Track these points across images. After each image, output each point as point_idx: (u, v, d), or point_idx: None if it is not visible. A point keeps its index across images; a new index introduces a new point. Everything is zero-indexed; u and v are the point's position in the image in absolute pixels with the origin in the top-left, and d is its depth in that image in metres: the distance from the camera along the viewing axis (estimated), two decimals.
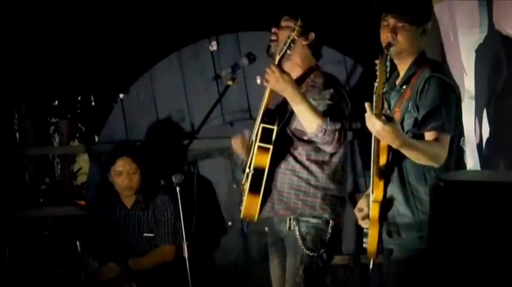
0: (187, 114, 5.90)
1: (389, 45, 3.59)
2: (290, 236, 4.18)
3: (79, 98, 7.23)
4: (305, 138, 4.13)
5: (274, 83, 4.01)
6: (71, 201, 6.16)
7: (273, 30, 4.22)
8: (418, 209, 3.56)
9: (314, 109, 4.00)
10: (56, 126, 7.03)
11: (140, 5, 6.46)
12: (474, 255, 2.94)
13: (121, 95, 6.14)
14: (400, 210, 3.58)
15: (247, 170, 4.18)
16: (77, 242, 5.05)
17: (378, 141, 3.50)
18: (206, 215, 5.47)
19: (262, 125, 4.12)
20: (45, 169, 7.07)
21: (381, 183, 3.54)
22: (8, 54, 6.41)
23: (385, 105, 3.53)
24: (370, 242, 3.58)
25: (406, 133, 3.52)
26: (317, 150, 4.14)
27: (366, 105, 3.33)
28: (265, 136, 4.10)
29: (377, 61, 3.45)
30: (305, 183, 4.15)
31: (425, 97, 3.53)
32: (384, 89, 3.41)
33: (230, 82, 4.38)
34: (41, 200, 6.74)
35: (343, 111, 4.10)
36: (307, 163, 4.15)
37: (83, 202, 6.07)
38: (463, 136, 3.66)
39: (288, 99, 4.03)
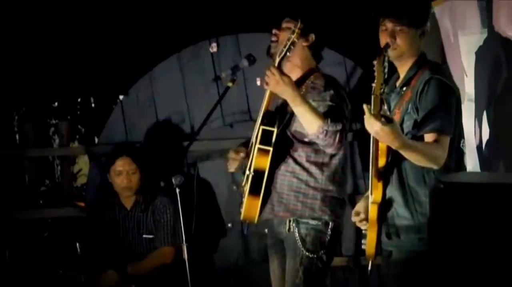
0: (187, 116, 5.90)
1: (387, 45, 3.59)
2: (290, 238, 4.18)
3: (79, 99, 7.23)
4: (306, 140, 4.13)
5: (274, 86, 4.02)
6: (71, 203, 6.16)
7: (274, 31, 4.22)
8: (417, 211, 3.56)
9: (314, 110, 4.00)
10: (56, 127, 7.03)
11: (140, 7, 6.45)
12: (474, 257, 2.94)
13: (121, 97, 6.14)
14: (399, 212, 3.59)
15: (247, 172, 4.18)
16: (77, 244, 5.05)
17: (376, 143, 3.50)
18: (206, 216, 5.47)
19: (262, 127, 4.12)
20: (45, 171, 7.07)
21: (380, 185, 3.54)
22: (8, 56, 6.41)
23: (385, 106, 3.53)
24: (369, 244, 3.58)
25: (406, 135, 3.52)
26: (317, 151, 4.14)
27: (364, 106, 3.33)
28: (265, 138, 4.10)
29: (375, 62, 3.45)
30: (304, 184, 4.15)
31: (425, 99, 3.53)
32: (382, 90, 3.41)
33: (230, 84, 4.38)
34: (41, 201, 6.74)
35: (344, 112, 4.10)
36: (306, 165, 4.15)
37: (82, 204, 6.07)
38: (463, 138, 3.66)
39: (289, 101, 4.03)
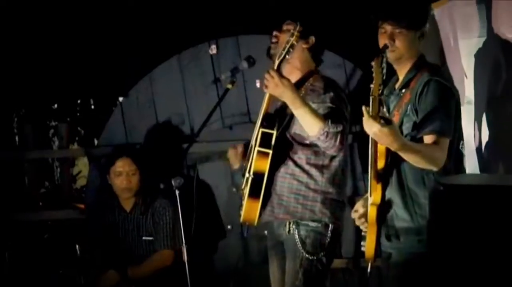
0: (187, 118, 5.90)
1: (385, 46, 3.59)
2: (290, 240, 4.18)
3: (79, 101, 7.23)
4: (305, 142, 4.13)
5: (273, 88, 4.02)
6: (71, 205, 6.16)
7: (274, 33, 4.23)
8: (417, 212, 3.56)
9: (315, 112, 4.00)
10: (55, 129, 7.03)
11: (140, 9, 6.46)
12: (473, 259, 2.94)
13: (120, 99, 6.14)
14: (399, 213, 3.59)
15: (246, 174, 4.18)
16: (77, 246, 5.05)
17: (375, 145, 3.51)
18: (205, 218, 5.47)
19: (261, 129, 4.12)
20: (45, 173, 7.07)
21: (379, 187, 3.55)
22: (7, 57, 6.41)
23: (384, 108, 3.54)
24: (368, 246, 3.58)
25: (405, 136, 3.52)
26: (317, 154, 4.14)
27: (363, 108, 3.34)
28: (265, 140, 4.10)
29: (373, 63, 3.46)
30: (304, 187, 4.15)
31: (424, 101, 3.53)
32: (381, 91, 3.41)
33: (229, 86, 4.38)
34: (41, 203, 6.74)
35: (344, 114, 4.10)
36: (306, 167, 4.15)
37: (82, 206, 6.07)
38: (462, 139, 3.66)
39: (288, 104, 4.03)
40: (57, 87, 6.90)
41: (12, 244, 5.85)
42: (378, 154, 3.53)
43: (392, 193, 3.59)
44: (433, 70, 3.64)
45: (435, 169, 3.51)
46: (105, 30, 6.52)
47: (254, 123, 4.30)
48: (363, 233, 3.67)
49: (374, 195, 3.55)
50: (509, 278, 2.92)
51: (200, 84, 5.90)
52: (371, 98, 3.38)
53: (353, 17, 5.83)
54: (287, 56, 4.04)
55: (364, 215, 3.66)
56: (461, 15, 4.41)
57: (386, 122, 3.34)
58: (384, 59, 3.49)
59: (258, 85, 5.52)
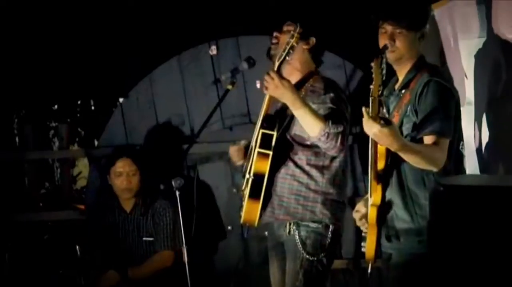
0: (187, 118, 5.90)
1: (385, 47, 3.59)
2: (290, 241, 4.18)
3: (79, 102, 7.23)
4: (307, 143, 4.13)
5: (274, 90, 4.01)
6: (71, 206, 6.16)
7: (275, 34, 4.23)
8: (417, 213, 3.56)
9: (315, 113, 4.00)
10: (55, 130, 7.03)
11: (140, 10, 6.46)
12: (474, 260, 2.94)
13: (120, 99, 6.14)
14: (399, 214, 3.59)
15: (247, 175, 4.18)
16: (77, 246, 5.05)
17: (375, 145, 3.51)
18: (205, 219, 5.47)
19: (261, 130, 4.12)
20: (45, 173, 7.07)
21: (379, 187, 3.55)
22: (7, 58, 6.41)
23: (384, 109, 3.53)
24: (368, 246, 3.58)
25: (405, 137, 3.52)
26: (317, 154, 4.14)
27: (363, 109, 3.34)
28: (265, 141, 4.10)
29: (372, 64, 3.46)
30: (305, 187, 4.15)
31: (424, 101, 3.53)
32: (380, 92, 3.41)
33: (229, 86, 4.38)
34: (41, 204, 6.74)
35: (344, 115, 4.10)
36: (307, 168, 4.15)
37: (82, 206, 6.07)
38: (462, 140, 3.66)
39: (289, 105, 4.03)
40: (57, 88, 6.90)
41: (12, 245, 5.85)
42: (378, 155, 3.53)
43: (392, 194, 3.59)
44: (433, 70, 3.64)
45: (435, 169, 3.51)
46: (105, 31, 6.52)
47: (254, 123, 4.30)
48: (363, 234, 3.67)
49: (374, 196, 3.55)
50: (509, 279, 2.92)
51: (200, 85, 5.90)
52: (370, 99, 3.39)
53: (353, 17, 5.84)
54: (287, 58, 4.04)
55: (366, 216, 3.66)
56: (461, 15, 4.41)
57: (386, 122, 3.34)
58: (384, 60, 3.49)
59: (258, 85, 5.52)
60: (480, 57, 4.23)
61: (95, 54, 6.59)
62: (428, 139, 3.51)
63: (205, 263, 5.67)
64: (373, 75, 3.43)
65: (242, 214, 4.18)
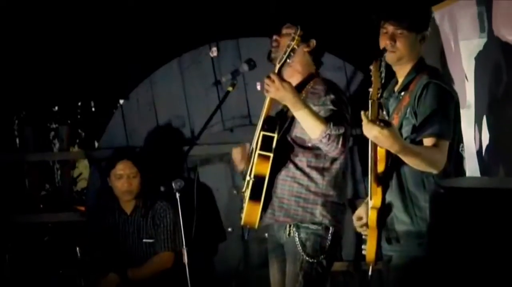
0: (187, 120, 5.90)
1: (384, 50, 3.60)
2: (290, 243, 4.18)
3: (79, 104, 7.24)
4: (308, 145, 4.13)
5: (275, 92, 4.01)
6: (71, 207, 6.16)
7: (274, 37, 4.23)
8: (417, 215, 3.56)
9: (316, 115, 4.00)
10: (56, 132, 7.03)
11: (141, 11, 6.46)
12: (474, 262, 2.94)
13: (121, 101, 6.14)
14: (399, 217, 3.59)
15: (247, 177, 4.18)
16: (77, 248, 5.05)
17: (375, 148, 3.51)
18: (205, 221, 5.47)
19: (262, 132, 4.12)
20: (45, 175, 7.08)
21: (379, 190, 3.55)
22: (8, 60, 6.42)
23: (383, 112, 3.53)
24: (369, 249, 3.58)
25: (405, 139, 3.52)
26: (318, 157, 4.14)
27: (362, 113, 3.34)
28: (266, 143, 4.10)
29: (371, 67, 3.46)
30: (305, 189, 4.15)
31: (423, 104, 3.53)
32: (379, 95, 3.41)
33: (230, 88, 4.39)
34: (41, 205, 6.74)
35: (345, 116, 4.10)
36: (307, 170, 4.15)
37: (83, 208, 6.07)
38: (462, 142, 3.66)
39: (290, 107, 4.03)
40: (58, 90, 6.91)
41: (12, 246, 5.86)
42: (378, 158, 3.53)
43: (393, 196, 3.59)
44: (432, 73, 3.64)
45: (435, 171, 3.51)
46: (106, 32, 6.53)
47: (255, 125, 4.30)
48: (363, 237, 3.67)
49: (374, 199, 3.55)
50: (509, 281, 2.92)
51: (200, 87, 5.90)
52: (370, 102, 3.39)
53: (354, 19, 5.84)
54: (288, 60, 4.04)
55: (366, 224, 3.65)
56: (462, 17, 4.41)
57: (386, 124, 3.34)
58: (383, 63, 3.49)
59: (258, 87, 5.52)
60: (480, 59, 4.23)
61: (96, 55, 6.60)
62: (427, 141, 3.51)
63: (205, 265, 5.67)
64: (372, 78, 3.43)
65: (243, 215, 4.18)
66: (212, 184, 5.85)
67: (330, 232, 4.15)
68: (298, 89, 4.13)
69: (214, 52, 5.89)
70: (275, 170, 4.14)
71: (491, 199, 2.98)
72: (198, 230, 4.85)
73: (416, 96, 3.55)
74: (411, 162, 3.48)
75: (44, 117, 7.09)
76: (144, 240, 5.17)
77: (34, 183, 6.38)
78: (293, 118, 4.11)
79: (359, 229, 3.76)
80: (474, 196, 3.02)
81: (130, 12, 6.45)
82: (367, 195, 3.64)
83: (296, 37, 3.98)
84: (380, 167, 3.53)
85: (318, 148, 4.08)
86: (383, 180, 3.55)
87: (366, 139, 3.48)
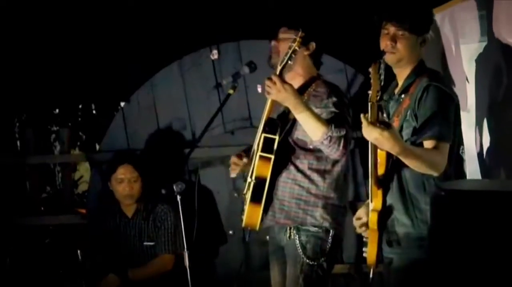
0: (188, 123, 5.90)
1: (383, 52, 3.60)
2: (290, 245, 4.18)
3: (80, 106, 7.24)
4: (309, 147, 4.13)
5: (276, 94, 4.01)
6: (72, 210, 6.16)
7: (273, 43, 4.23)
8: (418, 218, 3.56)
9: (318, 117, 4.00)
10: (57, 134, 7.04)
11: (141, 14, 6.47)
12: (474, 265, 2.94)
13: (122, 104, 6.15)
14: (400, 219, 3.59)
15: (248, 179, 4.18)
16: (78, 251, 5.05)
17: (375, 151, 3.51)
18: (206, 224, 5.47)
19: (263, 134, 4.12)
20: (46, 178, 7.08)
21: (380, 192, 3.55)
22: (9, 62, 6.42)
23: (383, 113, 3.53)
24: (370, 251, 3.58)
25: (405, 142, 3.52)
26: (319, 159, 4.14)
27: (361, 116, 3.34)
28: (267, 145, 4.10)
29: (370, 69, 3.46)
30: (306, 192, 4.15)
31: (423, 106, 3.53)
32: (378, 97, 3.41)
33: (231, 91, 4.39)
34: (42, 208, 6.74)
35: (347, 119, 4.10)
36: (308, 172, 4.15)
37: (84, 211, 6.07)
38: (463, 144, 3.66)
39: (291, 109, 4.03)
40: (59, 92, 6.92)
41: (13, 249, 5.86)
42: (379, 160, 3.53)
43: (393, 199, 3.59)
44: (433, 75, 3.64)
45: (435, 174, 3.51)
46: (107, 35, 6.53)
47: (256, 128, 4.30)
48: (364, 239, 3.67)
49: (375, 201, 3.55)
50: (510, 284, 2.92)
51: (201, 89, 5.90)
52: (369, 104, 3.39)
53: (355, 22, 5.85)
54: (289, 62, 4.04)
55: (366, 224, 3.66)
56: (462, 20, 4.41)
57: (386, 126, 3.34)
58: (382, 65, 3.49)
59: (259, 90, 5.51)
60: (481, 61, 4.23)
61: (97, 58, 6.60)
62: (428, 144, 3.51)
63: (206, 267, 5.67)
64: (371, 81, 3.43)
65: (244, 217, 4.18)
66: (213, 186, 5.85)
67: (330, 234, 4.15)
68: (300, 91, 4.14)
69: (215, 55, 5.89)
70: (276, 172, 4.14)
71: (491, 202, 2.97)
72: (199, 233, 4.85)
73: (416, 99, 3.55)
74: (412, 164, 3.48)
75: (45, 120, 7.10)
76: (144, 243, 5.17)
77: (35, 185, 6.38)
78: (294, 120, 4.11)
79: (358, 229, 3.76)
80: (474, 199, 3.02)
81: (131, 14, 6.46)
82: (368, 198, 3.64)
83: (298, 39, 3.98)
84: (381, 170, 3.53)
85: (319, 150, 4.08)
86: (383, 183, 3.55)
87: (367, 142, 3.48)
